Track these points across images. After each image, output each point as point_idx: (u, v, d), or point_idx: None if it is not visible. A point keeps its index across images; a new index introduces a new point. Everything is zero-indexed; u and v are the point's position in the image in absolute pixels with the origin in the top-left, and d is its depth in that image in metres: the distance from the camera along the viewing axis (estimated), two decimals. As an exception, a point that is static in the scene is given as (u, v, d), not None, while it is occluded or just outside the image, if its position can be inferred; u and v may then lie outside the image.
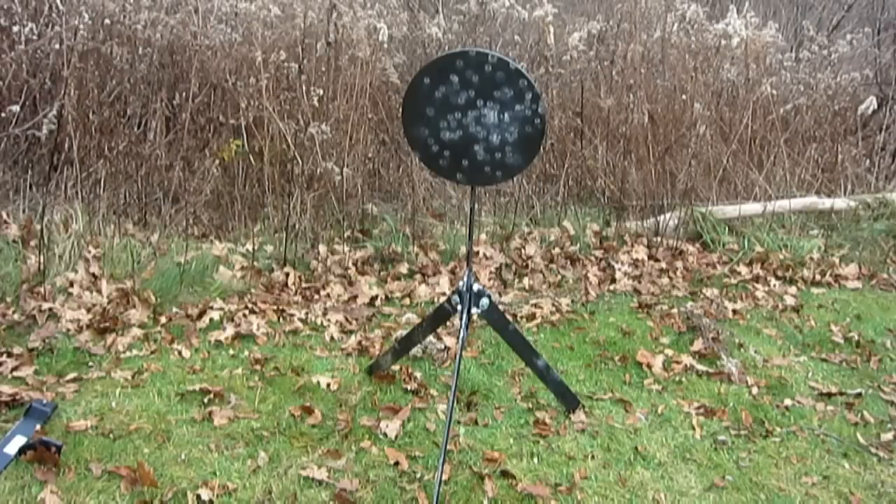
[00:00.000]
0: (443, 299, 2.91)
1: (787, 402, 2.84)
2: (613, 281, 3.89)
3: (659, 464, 2.41)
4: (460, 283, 2.47)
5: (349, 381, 2.74)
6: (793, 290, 3.99)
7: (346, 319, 3.22)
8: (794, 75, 5.26)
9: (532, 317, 3.40)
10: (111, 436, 2.29)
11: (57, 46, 3.73)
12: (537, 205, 4.50)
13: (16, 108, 3.66)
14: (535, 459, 2.38)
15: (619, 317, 3.50)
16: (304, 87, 3.91)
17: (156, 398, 2.52)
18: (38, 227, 3.24)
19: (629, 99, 4.62)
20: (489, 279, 3.77)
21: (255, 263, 3.53)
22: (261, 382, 2.68)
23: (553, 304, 3.53)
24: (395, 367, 2.80)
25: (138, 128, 4.07)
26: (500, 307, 2.76)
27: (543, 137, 2.33)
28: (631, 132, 4.59)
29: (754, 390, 2.91)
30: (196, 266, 3.38)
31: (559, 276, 3.88)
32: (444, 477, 2.20)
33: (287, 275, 3.51)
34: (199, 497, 2.05)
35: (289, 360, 2.86)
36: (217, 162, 3.94)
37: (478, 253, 3.89)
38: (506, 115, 2.23)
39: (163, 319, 3.05)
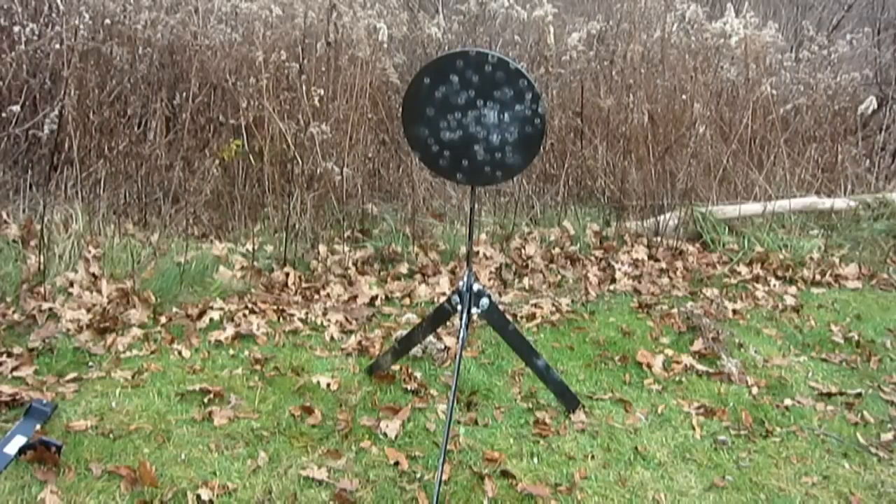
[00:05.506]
0: (443, 299, 2.91)
1: (787, 402, 2.84)
2: (613, 281, 3.89)
3: (659, 464, 2.41)
4: (460, 283, 2.47)
5: (349, 381, 2.74)
6: (793, 290, 3.99)
7: (346, 319, 3.22)
8: (794, 75, 5.26)
9: (532, 317, 3.40)
10: (111, 436, 2.29)
11: (57, 46, 3.73)
12: (537, 205, 4.50)
13: (16, 108, 3.66)
14: (535, 459, 2.38)
15: (619, 317, 3.50)
16: (304, 87, 3.91)
17: (156, 398, 2.52)
18: (38, 227, 3.25)
19: (629, 99, 4.62)
20: (489, 279, 3.77)
21: (255, 263, 3.53)
22: (261, 382, 2.68)
23: (553, 304, 3.53)
24: (395, 367, 2.80)
25: (138, 128, 4.07)
26: (500, 307, 2.76)
27: (543, 137, 2.33)
28: (631, 132, 4.59)
29: (754, 390, 2.91)
30: (196, 266, 3.38)
31: (559, 276, 3.88)
32: (444, 477, 2.20)
33: (287, 275, 3.51)
34: (199, 497, 2.05)
35: (289, 360, 2.86)
36: (217, 162, 3.94)
37: (478, 253, 3.89)
38: (506, 115, 2.23)
39: (163, 319, 3.05)
